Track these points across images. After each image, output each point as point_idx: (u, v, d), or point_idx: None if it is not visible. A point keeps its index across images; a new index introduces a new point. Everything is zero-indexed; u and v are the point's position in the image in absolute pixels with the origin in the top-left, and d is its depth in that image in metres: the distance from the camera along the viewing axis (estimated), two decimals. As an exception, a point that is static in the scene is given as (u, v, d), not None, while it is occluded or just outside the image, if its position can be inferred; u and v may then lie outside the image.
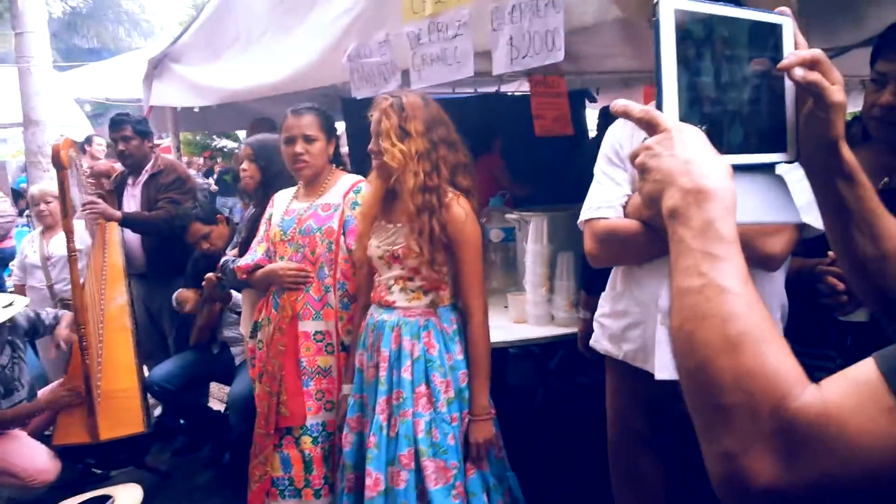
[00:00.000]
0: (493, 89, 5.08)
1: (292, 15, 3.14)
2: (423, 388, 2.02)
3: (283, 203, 2.55)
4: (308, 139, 2.39)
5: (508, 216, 2.98)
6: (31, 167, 4.78)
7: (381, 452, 2.02)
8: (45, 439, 3.32)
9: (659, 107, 0.76)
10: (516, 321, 2.71)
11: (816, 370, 0.65)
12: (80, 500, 3.07)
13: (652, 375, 1.71)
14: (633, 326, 1.80)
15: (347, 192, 2.44)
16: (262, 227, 2.61)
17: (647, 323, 1.75)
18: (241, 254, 2.76)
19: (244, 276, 2.58)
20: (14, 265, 4.21)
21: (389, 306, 2.11)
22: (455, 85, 4.12)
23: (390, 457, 2.02)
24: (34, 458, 3.19)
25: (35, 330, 3.49)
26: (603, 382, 1.96)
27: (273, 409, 2.37)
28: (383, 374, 2.06)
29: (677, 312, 0.64)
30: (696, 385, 0.61)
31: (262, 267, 2.50)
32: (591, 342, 1.96)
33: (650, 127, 0.75)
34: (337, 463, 2.27)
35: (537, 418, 2.82)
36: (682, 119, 0.76)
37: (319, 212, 2.43)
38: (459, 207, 2.01)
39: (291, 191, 2.59)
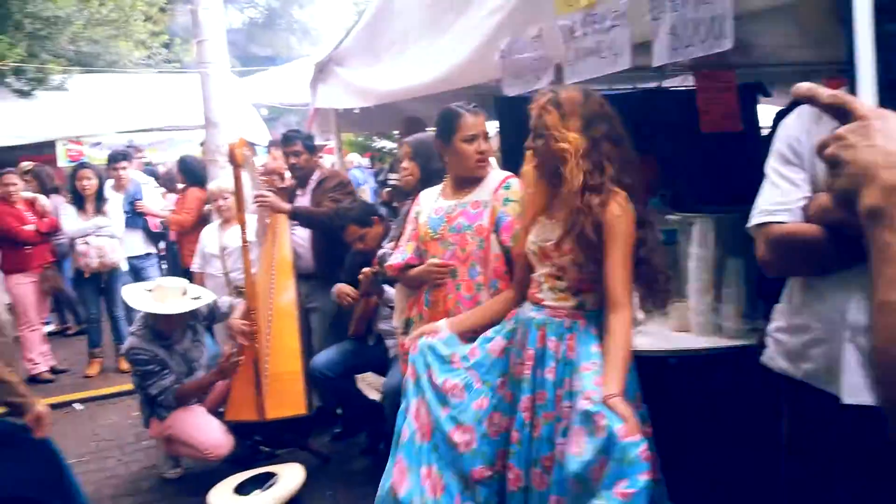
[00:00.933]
0: (653, 85, 4.87)
1: (447, 14, 3.18)
2: (561, 392, 1.97)
3: (430, 201, 2.57)
4: (487, 137, 2.47)
5: (670, 217, 2.82)
6: (210, 165, 5.23)
7: (523, 450, 2.01)
8: (218, 416, 3.62)
9: (852, 91, 0.66)
10: (677, 330, 2.56)
11: None
12: (249, 475, 3.32)
13: (837, 399, 1.52)
14: (814, 343, 1.60)
15: (497, 188, 2.42)
16: (409, 227, 2.66)
17: (831, 340, 1.55)
18: (399, 248, 2.84)
19: (396, 273, 2.65)
20: (195, 255, 4.63)
21: (539, 304, 2.08)
22: (611, 81, 3.99)
23: (532, 456, 2.00)
24: (211, 432, 3.49)
25: (213, 317, 3.82)
26: (771, 404, 1.77)
27: None
28: (528, 372, 2.04)
29: (881, 331, 0.55)
30: None
31: (413, 266, 2.54)
32: (764, 359, 1.78)
33: (842, 114, 0.66)
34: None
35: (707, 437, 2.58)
36: (881, 104, 0.66)
37: (469, 209, 2.43)
38: (616, 204, 1.93)
39: (437, 189, 2.62)
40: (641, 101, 4.60)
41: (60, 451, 2.41)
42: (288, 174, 4.34)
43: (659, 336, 2.48)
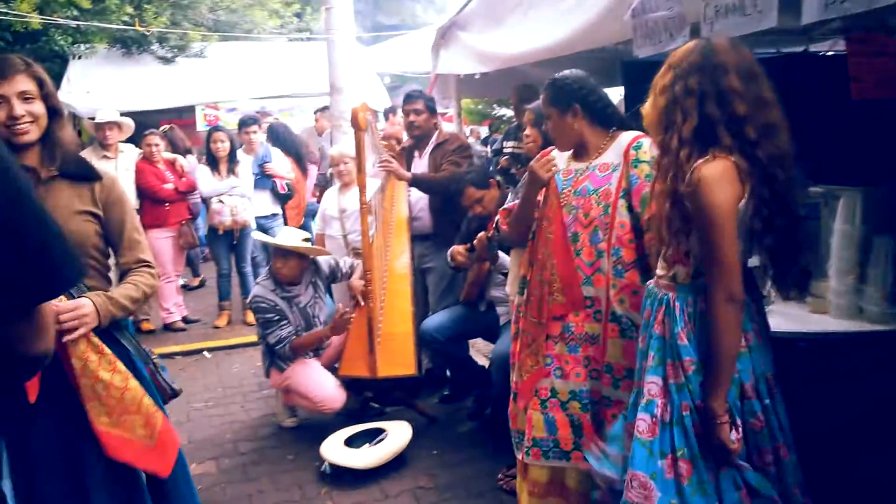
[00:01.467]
0: (799, 49, 4.50)
1: (576, -27, 3.06)
2: (646, 364, 1.89)
3: (562, 164, 2.49)
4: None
5: (813, 190, 2.58)
6: (335, 130, 5.38)
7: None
8: (333, 371, 3.75)
9: None
10: (814, 311, 2.37)
11: None
12: (359, 429, 3.44)
13: None
14: None
15: (627, 149, 2.30)
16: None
17: None
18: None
19: (505, 216, 2.59)
20: (317, 217, 4.79)
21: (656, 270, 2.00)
22: (753, 44, 3.72)
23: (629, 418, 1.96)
24: (326, 387, 3.63)
25: (333, 276, 3.95)
26: None
27: (545, 297, 2.34)
28: (642, 343, 1.98)
29: None
30: None
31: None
32: None
33: None
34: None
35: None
36: None
37: (597, 172, 2.33)
38: (710, 169, 1.70)
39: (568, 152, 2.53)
40: (785, 66, 4.28)
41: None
42: (405, 136, 4.36)
43: (791, 316, 2.30)
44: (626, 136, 2.33)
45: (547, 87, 2.38)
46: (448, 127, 5.15)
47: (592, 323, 2.29)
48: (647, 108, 1.86)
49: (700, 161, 1.72)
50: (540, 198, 2.44)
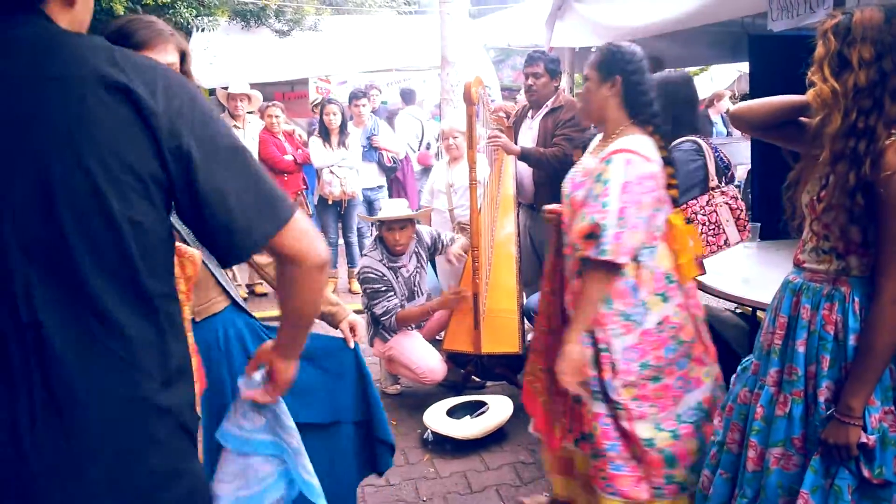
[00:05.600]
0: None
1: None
2: (814, 369, 1.72)
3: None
4: None
5: None
6: (444, 104, 5.39)
7: (767, 428, 1.80)
8: (435, 344, 3.80)
9: None
10: None
11: None
12: (461, 401, 3.48)
13: None
14: None
15: (605, 157, 2.17)
16: None
17: None
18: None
19: None
20: (424, 190, 4.84)
21: (799, 265, 1.82)
22: None
23: (777, 437, 1.78)
24: (428, 359, 3.69)
25: (435, 246, 3.99)
26: None
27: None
28: (778, 342, 1.81)
29: None
30: None
31: None
32: None
33: None
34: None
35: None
36: None
37: (578, 177, 2.27)
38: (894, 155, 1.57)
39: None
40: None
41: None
42: (521, 96, 4.21)
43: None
44: (621, 142, 2.14)
45: (600, 49, 2.25)
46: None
47: None
48: (823, 85, 1.65)
49: (888, 143, 1.58)
50: None
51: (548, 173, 3.80)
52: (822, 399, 1.69)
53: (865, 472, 1.62)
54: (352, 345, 2.09)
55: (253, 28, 9.38)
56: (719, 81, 10.25)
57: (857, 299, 1.68)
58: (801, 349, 1.75)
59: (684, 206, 2.51)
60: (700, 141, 2.61)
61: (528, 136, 4.01)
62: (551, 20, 4.67)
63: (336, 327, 2.11)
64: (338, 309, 2.10)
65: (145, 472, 1.03)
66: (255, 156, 5.39)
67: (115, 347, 0.99)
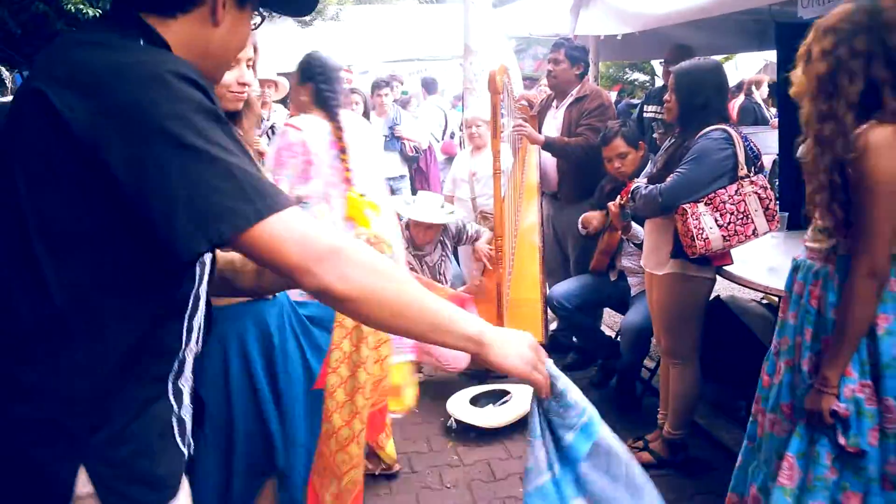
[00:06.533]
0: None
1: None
2: (800, 340, 1.83)
3: None
4: None
5: None
6: (467, 93, 5.35)
7: (772, 394, 1.93)
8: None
9: None
10: None
11: None
12: (485, 389, 3.50)
13: None
14: None
15: None
16: None
17: None
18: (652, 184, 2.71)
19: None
20: (447, 179, 4.83)
21: (804, 244, 1.92)
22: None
23: (773, 403, 1.91)
24: (452, 347, 3.70)
25: (459, 236, 3.99)
26: None
27: None
28: (782, 315, 1.95)
29: None
30: None
31: None
32: None
33: None
34: None
35: None
36: None
37: None
38: (878, 135, 1.63)
39: None
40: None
41: None
42: (544, 83, 4.19)
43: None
44: None
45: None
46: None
47: None
48: (798, 75, 1.79)
49: (866, 126, 1.66)
50: None
51: (572, 163, 3.78)
52: (805, 369, 1.79)
53: (841, 440, 1.69)
54: None
55: (275, 18, 9.40)
56: (744, 70, 10.13)
57: (837, 276, 1.77)
58: (791, 321, 1.88)
59: (713, 194, 2.50)
60: (729, 129, 2.59)
61: (553, 125, 3.99)
62: (576, 8, 4.64)
63: None
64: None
65: None
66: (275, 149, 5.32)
67: None
